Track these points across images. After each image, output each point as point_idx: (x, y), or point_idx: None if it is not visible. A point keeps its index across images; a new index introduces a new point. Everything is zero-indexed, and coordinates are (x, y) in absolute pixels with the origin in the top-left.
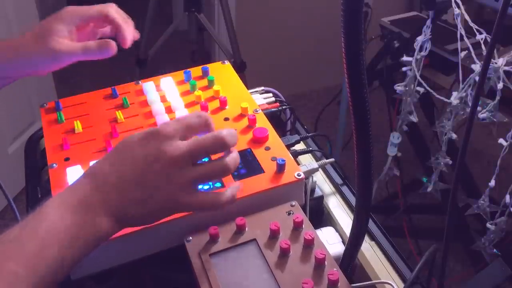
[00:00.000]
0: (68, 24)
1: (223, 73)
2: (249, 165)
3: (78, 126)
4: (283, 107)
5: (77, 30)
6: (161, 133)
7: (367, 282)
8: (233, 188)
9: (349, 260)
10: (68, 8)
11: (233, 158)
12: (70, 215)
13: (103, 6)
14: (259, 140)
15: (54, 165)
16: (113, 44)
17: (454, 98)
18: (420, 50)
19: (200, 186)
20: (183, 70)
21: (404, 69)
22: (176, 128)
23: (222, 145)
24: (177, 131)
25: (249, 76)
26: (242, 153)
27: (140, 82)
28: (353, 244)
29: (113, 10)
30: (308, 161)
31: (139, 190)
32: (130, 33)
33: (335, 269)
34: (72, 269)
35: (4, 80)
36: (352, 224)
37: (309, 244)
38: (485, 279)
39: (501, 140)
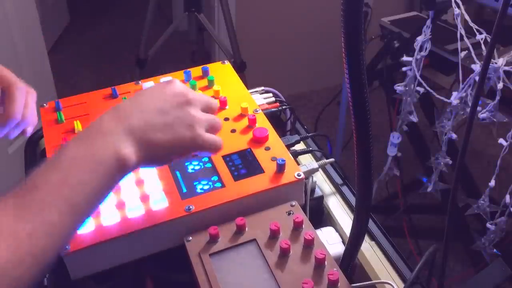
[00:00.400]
0: None
1: (223, 73)
2: (249, 165)
3: (78, 126)
4: (283, 107)
5: None
6: (176, 80)
7: (367, 282)
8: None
9: (349, 260)
10: None
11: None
12: (89, 142)
13: (16, 84)
14: (259, 140)
15: None
16: None
17: (454, 98)
18: (420, 50)
19: (200, 186)
20: (183, 70)
21: (404, 69)
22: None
23: (216, 109)
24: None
25: (249, 76)
26: (242, 153)
27: (140, 82)
28: (353, 244)
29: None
30: (308, 161)
31: (161, 116)
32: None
33: (335, 269)
34: (102, 201)
35: None
36: (352, 224)
37: (309, 244)
38: (485, 279)
39: (501, 140)
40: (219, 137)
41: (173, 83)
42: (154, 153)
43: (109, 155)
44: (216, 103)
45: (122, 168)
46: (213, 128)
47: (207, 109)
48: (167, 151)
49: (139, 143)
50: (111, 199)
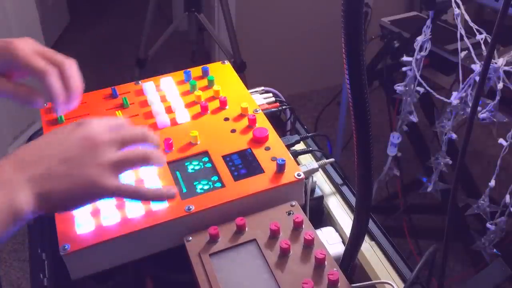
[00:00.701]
0: (6, 63)
1: (223, 73)
2: (249, 165)
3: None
4: (283, 107)
5: (13, 69)
6: (87, 122)
7: (367, 282)
8: (165, 187)
9: (349, 260)
10: (13, 46)
11: (155, 152)
12: None
13: (46, 71)
14: (259, 140)
15: None
16: (41, 101)
17: (454, 98)
18: (420, 50)
19: (200, 186)
20: (183, 70)
21: (404, 69)
22: (102, 123)
23: (145, 138)
24: (105, 125)
25: (249, 76)
26: (242, 153)
27: (140, 82)
28: (353, 244)
29: (53, 77)
30: (308, 161)
31: (63, 165)
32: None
33: (335, 269)
34: None
35: None
36: (352, 224)
37: (309, 244)
38: (485, 279)
39: (501, 140)
40: (146, 187)
41: (83, 125)
42: (54, 203)
43: (3, 205)
44: (144, 131)
45: (16, 218)
46: (134, 163)
47: (135, 141)
48: (69, 201)
49: (37, 193)
50: (111, 199)
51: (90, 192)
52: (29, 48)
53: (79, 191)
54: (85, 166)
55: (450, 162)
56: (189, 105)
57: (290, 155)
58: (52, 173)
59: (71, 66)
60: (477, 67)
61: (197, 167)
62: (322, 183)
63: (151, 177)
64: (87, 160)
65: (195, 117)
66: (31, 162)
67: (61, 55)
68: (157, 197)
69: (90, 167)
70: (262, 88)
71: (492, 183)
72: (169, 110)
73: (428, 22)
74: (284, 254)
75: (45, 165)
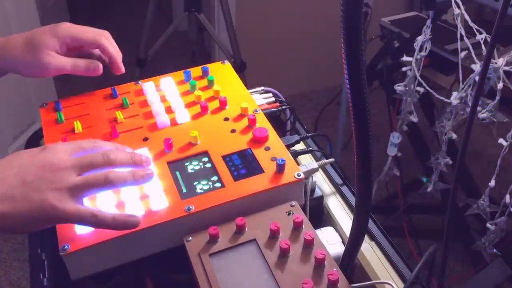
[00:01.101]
0: (61, 41)
1: (223, 73)
2: (249, 165)
3: (78, 126)
4: (283, 107)
5: (68, 48)
6: (51, 147)
7: (367, 282)
8: (122, 215)
9: (349, 260)
10: (65, 25)
11: (118, 173)
12: None
13: (98, 35)
14: (259, 140)
15: None
16: (100, 66)
17: (454, 98)
18: (420, 50)
19: (200, 186)
20: (183, 70)
21: (404, 69)
22: (68, 148)
23: (107, 162)
24: (69, 151)
25: (249, 76)
26: (242, 153)
27: (140, 82)
28: (353, 244)
29: (107, 41)
30: (308, 161)
31: (20, 188)
32: (120, 62)
33: (335, 269)
34: None
35: None
36: (352, 224)
37: (309, 244)
38: (485, 279)
39: (501, 140)
40: (105, 212)
41: (47, 150)
42: (11, 224)
43: None
44: (109, 155)
45: None
46: (95, 187)
47: (96, 166)
48: (25, 223)
49: None
50: (111, 199)
51: (48, 215)
52: (74, 26)
53: (35, 213)
54: (43, 189)
55: (450, 162)
56: (189, 105)
57: (290, 155)
58: (9, 194)
59: (109, 36)
60: (477, 67)
61: (197, 167)
62: (322, 183)
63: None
64: (45, 184)
65: (195, 117)
66: None
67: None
68: (118, 225)
69: (48, 191)
70: (262, 88)
71: (492, 183)
72: (169, 110)
73: (428, 22)
74: (284, 254)
75: (3, 186)
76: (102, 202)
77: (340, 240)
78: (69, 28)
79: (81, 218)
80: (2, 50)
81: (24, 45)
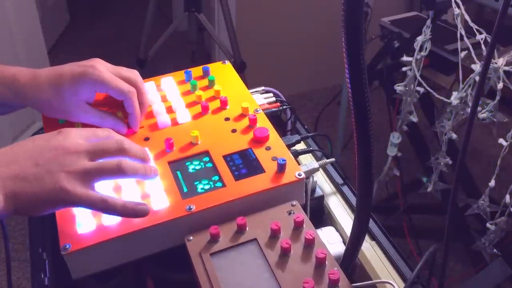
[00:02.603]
0: (90, 90)
1: (223, 73)
2: (249, 165)
3: (78, 126)
4: (284, 107)
5: (94, 93)
6: (67, 131)
7: (367, 282)
8: (132, 202)
9: (350, 260)
10: (97, 69)
11: (131, 163)
12: None
13: (129, 93)
14: (260, 140)
15: None
16: (125, 127)
17: (454, 98)
18: (420, 50)
19: (201, 185)
20: (183, 70)
21: (404, 69)
22: (82, 134)
23: (121, 150)
24: (83, 136)
25: (249, 76)
26: (243, 153)
27: None
28: (353, 243)
29: (134, 100)
30: (308, 161)
31: (33, 168)
32: (139, 119)
33: (335, 268)
34: None
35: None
36: (353, 224)
37: (309, 244)
38: (485, 279)
39: (501, 140)
40: (116, 198)
41: (62, 133)
42: (22, 204)
43: None
44: (123, 144)
45: None
46: (107, 173)
47: (110, 153)
48: (37, 204)
49: (6, 194)
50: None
51: (58, 197)
52: (107, 69)
53: (47, 195)
54: (54, 171)
55: (450, 162)
56: (189, 105)
57: (291, 155)
58: (22, 175)
59: (142, 83)
60: (477, 67)
61: (198, 167)
62: (323, 182)
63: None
64: (57, 166)
65: (195, 117)
66: (4, 163)
67: (127, 71)
68: (128, 212)
69: (60, 173)
70: (263, 88)
71: (492, 183)
72: (169, 110)
73: (428, 22)
74: (284, 253)
75: (17, 167)
76: None
77: (341, 239)
78: (99, 76)
79: (91, 202)
80: (23, 87)
81: (49, 87)
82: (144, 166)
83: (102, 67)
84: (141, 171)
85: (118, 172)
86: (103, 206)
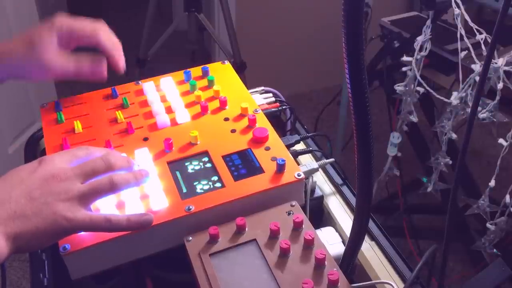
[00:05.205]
0: (58, 35)
1: (223, 73)
2: (249, 165)
3: (78, 126)
4: (283, 107)
5: (67, 41)
6: (48, 159)
7: (367, 282)
8: (135, 215)
9: (349, 260)
10: (59, 18)
11: (121, 176)
12: None
13: (95, 30)
14: (259, 140)
15: None
16: (104, 66)
17: (454, 98)
18: (420, 50)
19: (200, 186)
20: (183, 70)
21: (404, 69)
22: (63, 158)
23: (109, 167)
24: (65, 160)
25: (249, 76)
26: (242, 153)
27: (140, 82)
28: (353, 244)
29: (105, 37)
30: (308, 161)
31: (29, 205)
32: (120, 58)
33: (335, 269)
34: None
35: None
36: (352, 224)
37: (309, 244)
38: (485, 279)
39: (501, 140)
40: (117, 215)
41: (45, 163)
42: (26, 242)
43: None
44: (108, 159)
45: None
46: (101, 192)
47: (98, 172)
48: (41, 238)
49: (8, 235)
50: (111, 199)
51: (61, 227)
52: (68, 19)
53: (50, 228)
54: (52, 202)
55: (450, 162)
56: (189, 105)
57: (290, 155)
58: (20, 212)
59: (105, 25)
60: (477, 67)
61: (197, 167)
62: (322, 183)
63: (151, 177)
64: (53, 196)
65: (195, 117)
66: None
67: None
68: (133, 227)
69: (57, 203)
70: (262, 88)
71: (492, 183)
72: (169, 110)
73: (428, 22)
74: (284, 254)
75: (12, 205)
76: (103, 204)
77: (340, 240)
78: (66, 22)
79: (95, 225)
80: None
81: (22, 45)
82: (134, 174)
83: (65, 18)
84: (132, 180)
85: (112, 187)
86: (107, 225)
